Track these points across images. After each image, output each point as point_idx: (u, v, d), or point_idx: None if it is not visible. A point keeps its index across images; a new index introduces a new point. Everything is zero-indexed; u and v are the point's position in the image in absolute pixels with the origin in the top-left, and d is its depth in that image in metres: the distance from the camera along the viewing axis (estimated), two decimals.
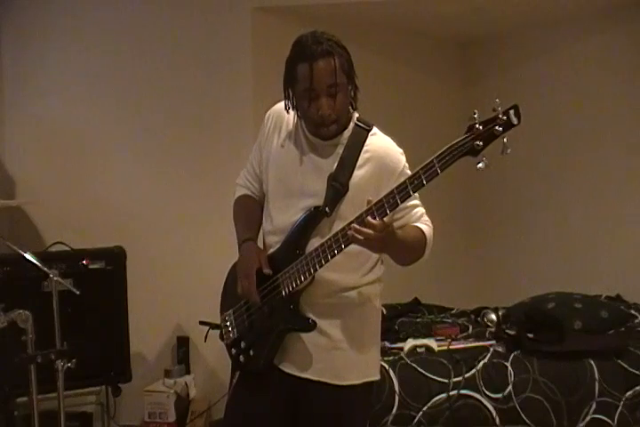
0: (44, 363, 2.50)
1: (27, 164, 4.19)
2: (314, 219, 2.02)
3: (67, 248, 3.55)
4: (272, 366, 2.08)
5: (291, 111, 2.08)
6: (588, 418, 3.10)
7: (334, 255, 1.91)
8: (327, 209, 2.00)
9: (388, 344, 3.26)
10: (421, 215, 2.07)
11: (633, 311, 3.74)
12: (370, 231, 1.79)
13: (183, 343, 3.98)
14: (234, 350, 2.16)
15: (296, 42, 1.98)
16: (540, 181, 4.59)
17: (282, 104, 2.10)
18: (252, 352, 2.10)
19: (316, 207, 2.01)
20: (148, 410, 3.74)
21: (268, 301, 2.05)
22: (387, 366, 3.04)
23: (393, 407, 3.00)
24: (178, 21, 4.05)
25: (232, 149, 3.76)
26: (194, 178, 4.04)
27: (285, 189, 2.09)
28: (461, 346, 3.31)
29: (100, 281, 3.41)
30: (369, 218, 1.79)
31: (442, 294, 4.39)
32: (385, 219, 1.81)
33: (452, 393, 3.03)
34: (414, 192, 1.79)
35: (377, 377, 2.16)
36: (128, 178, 4.12)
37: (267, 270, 2.03)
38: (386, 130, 2.12)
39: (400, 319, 3.82)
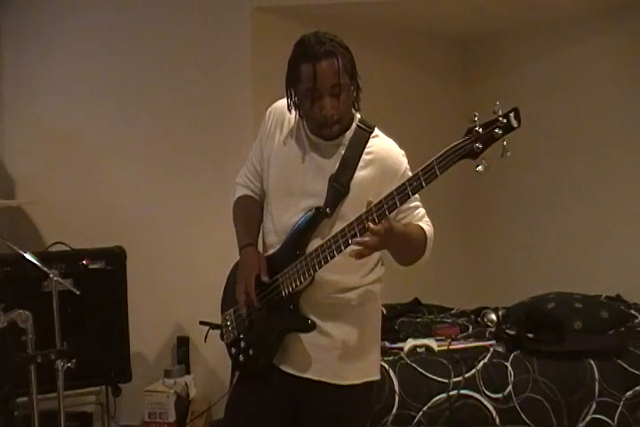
0: (44, 363, 2.49)
1: (27, 164, 4.19)
2: (314, 220, 2.02)
3: (67, 248, 3.55)
4: (272, 366, 2.08)
5: (292, 110, 2.07)
6: (588, 418, 3.10)
7: (334, 256, 1.90)
8: (328, 210, 2.00)
9: (388, 344, 3.27)
10: (423, 216, 2.07)
11: (633, 311, 3.75)
12: (373, 238, 1.79)
13: (183, 343, 3.99)
14: (234, 350, 2.16)
15: (299, 42, 1.97)
16: (540, 181, 4.58)
17: (283, 101, 2.09)
18: (251, 352, 2.10)
19: (317, 208, 2.01)
20: (148, 410, 3.74)
21: (268, 301, 2.05)
22: (387, 366, 3.04)
23: (393, 407, 3.00)
24: (178, 21, 4.05)
25: (232, 149, 3.75)
26: (193, 178, 4.04)
27: (286, 188, 2.08)
28: (461, 346, 3.31)
29: (100, 281, 3.41)
30: (370, 224, 1.79)
31: (442, 294, 4.38)
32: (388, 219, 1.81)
33: (451, 393, 3.03)
34: (413, 194, 1.78)
35: (377, 377, 2.16)
36: (128, 178, 4.12)
37: (265, 278, 2.03)
38: (386, 130, 2.12)
39: (400, 319, 3.83)
